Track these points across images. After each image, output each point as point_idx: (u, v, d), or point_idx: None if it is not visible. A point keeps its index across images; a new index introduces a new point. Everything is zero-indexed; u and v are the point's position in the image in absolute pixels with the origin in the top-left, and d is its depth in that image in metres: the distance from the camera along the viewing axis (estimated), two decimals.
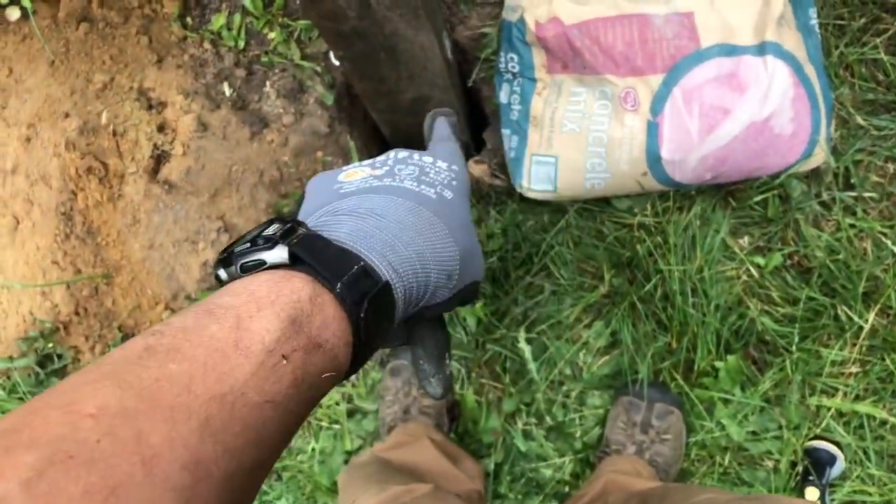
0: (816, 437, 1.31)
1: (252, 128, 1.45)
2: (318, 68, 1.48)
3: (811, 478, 1.27)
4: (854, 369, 1.33)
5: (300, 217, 0.51)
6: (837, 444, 1.31)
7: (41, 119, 1.41)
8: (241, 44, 1.50)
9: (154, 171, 1.40)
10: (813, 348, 1.32)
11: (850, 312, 1.31)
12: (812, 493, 1.26)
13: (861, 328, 1.31)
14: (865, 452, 1.31)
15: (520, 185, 1.35)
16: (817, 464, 1.29)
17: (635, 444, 1.32)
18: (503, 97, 1.36)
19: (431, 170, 0.55)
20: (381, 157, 0.59)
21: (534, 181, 1.33)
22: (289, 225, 0.44)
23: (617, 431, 1.35)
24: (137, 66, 1.46)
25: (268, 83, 1.49)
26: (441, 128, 0.75)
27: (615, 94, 1.25)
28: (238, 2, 1.49)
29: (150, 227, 1.39)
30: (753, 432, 1.34)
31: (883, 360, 1.31)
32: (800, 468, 1.31)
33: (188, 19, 1.53)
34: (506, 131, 1.36)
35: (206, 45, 1.50)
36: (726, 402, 1.33)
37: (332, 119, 1.49)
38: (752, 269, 1.37)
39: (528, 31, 1.25)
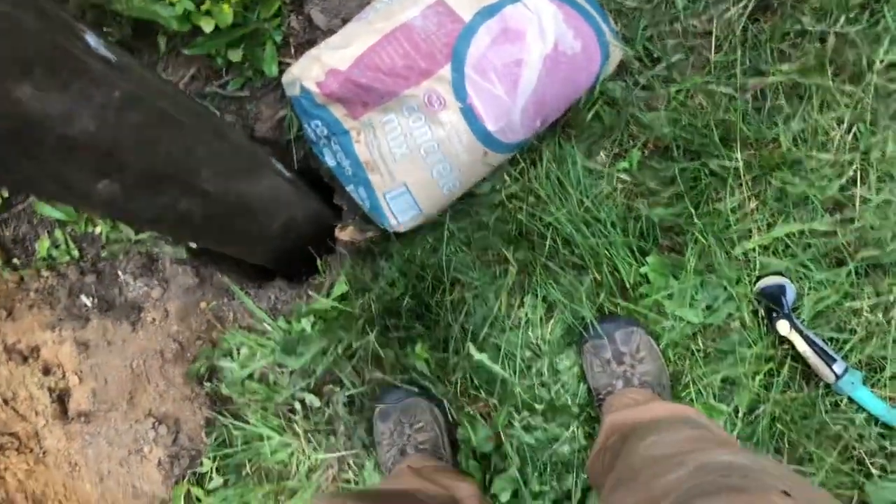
0: (759, 278, 1.37)
1: (129, 319, 1.43)
2: (154, 232, 1.47)
3: (774, 314, 1.33)
4: (753, 205, 1.39)
5: None
6: (779, 273, 1.37)
7: None
8: (76, 253, 1.48)
9: (64, 412, 1.36)
10: (710, 209, 1.38)
11: (720, 162, 1.38)
12: (783, 325, 1.31)
13: (737, 169, 1.38)
14: (804, 265, 1.37)
15: (389, 225, 1.37)
16: (772, 299, 1.34)
17: (619, 377, 1.35)
18: (330, 161, 1.38)
19: None
20: None
21: (399, 215, 1.36)
22: None
23: (598, 377, 1.37)
24: None
25: (119, 273, 1.47)
26: None
27: (420, 104, 1.28)
28: (50, 219, 1.47)
29: (90, 462, 1.35)
30: (707, 307, 1.39)
31: (769, 183, 1.39)
32: (761, 312, 1.37)
33: (14, 260, 1.50)
34: (350, 187, 1.39)
35: (45, 272, 1.48)
36: (669, 296, 1.38)
37: (195, 268, 1.48)
38: (621, 175, 1.43)
39: (315, 94, 1.28)
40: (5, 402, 1.34)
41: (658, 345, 1.39)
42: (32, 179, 0.80)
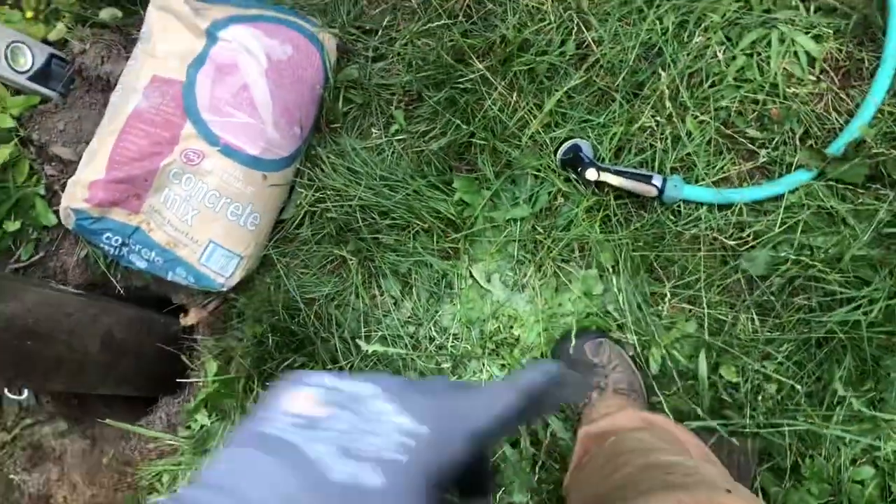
0: (556, 151, 1.46)
1: None
2: (29, 420, 1.46)
3: (580, 168, 1.41)
4: (514, 98, 1.49)
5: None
6: (569, 138, 1.46)
7: None
8: None
9: None
10: (480, 119, 1.47)
11: (464, 78, 1.48)
12: (591, 172, 1.39)
13: (484, 76, 1.48)
14: (584, 120, 1.47)
15: (220, 285, 1.40)
16: (576, 159, 1.42)
17: (593, 388, 1.35)
18: (140, 263, 1.40)
19: (370, 431, 0.39)
20: (345, 384, 0.42)
21: (223, 271, 1.39)
22: None
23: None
24: None
25: (12, 476, 1.44)
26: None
27: (182, 167, 1.34)
28: None
29: None
30: (529, 198, 1.46)
31: (516, 73, 1.49)
32: (572, 176, 1.45)
33: None
34: (170, 275, 1.41)
35: None
36: (495, 207, 1.45)
37: (81, 432, 1.47)
38: (398, 137, 1.51)
39: (88, 210, 1.32)
40: None
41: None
42: None
